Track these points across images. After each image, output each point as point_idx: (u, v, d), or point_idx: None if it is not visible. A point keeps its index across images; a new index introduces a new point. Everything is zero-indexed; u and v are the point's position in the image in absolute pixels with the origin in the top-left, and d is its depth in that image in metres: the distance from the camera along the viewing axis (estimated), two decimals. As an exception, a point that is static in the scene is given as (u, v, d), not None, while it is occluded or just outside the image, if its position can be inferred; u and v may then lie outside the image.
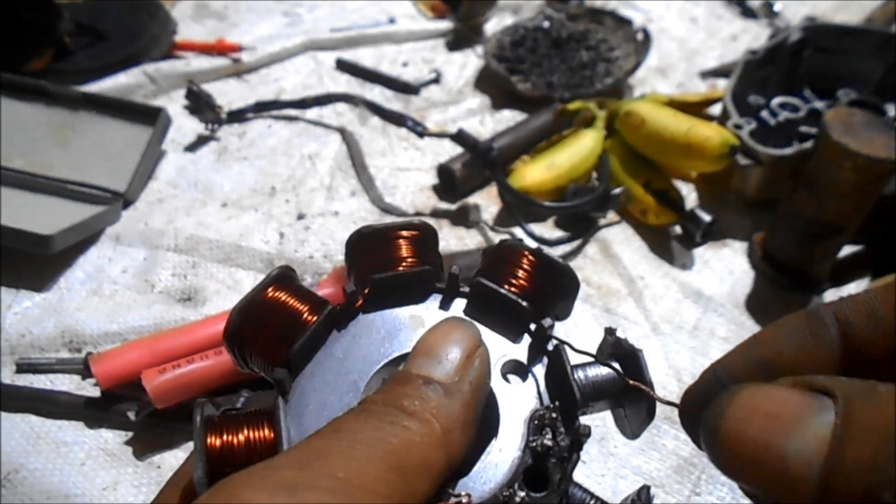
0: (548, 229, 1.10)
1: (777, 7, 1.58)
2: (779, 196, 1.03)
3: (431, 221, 1.10)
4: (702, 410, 0.28)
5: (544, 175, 1.08)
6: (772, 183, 1.07)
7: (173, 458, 0.81)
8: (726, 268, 1.06)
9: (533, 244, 0.39)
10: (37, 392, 0.84)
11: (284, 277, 0.38)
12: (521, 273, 0.38)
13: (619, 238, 1.09)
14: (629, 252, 1.06)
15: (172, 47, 1.36)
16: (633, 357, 0.35)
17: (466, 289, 0.38)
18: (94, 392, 0.84)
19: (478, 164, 1.10)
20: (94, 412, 0.82)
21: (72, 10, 1.29)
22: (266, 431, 0.32)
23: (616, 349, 0.37)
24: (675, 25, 1.55)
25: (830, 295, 1.02)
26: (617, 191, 1.08)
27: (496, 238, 1.08)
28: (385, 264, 0.38)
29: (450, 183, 1.13)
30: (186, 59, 1.34)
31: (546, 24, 1.43)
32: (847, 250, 1.04)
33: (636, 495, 0.34)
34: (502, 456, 0.33)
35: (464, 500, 0.31)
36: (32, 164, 1.10)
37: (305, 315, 0.36)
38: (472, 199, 1.14)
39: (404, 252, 0.39)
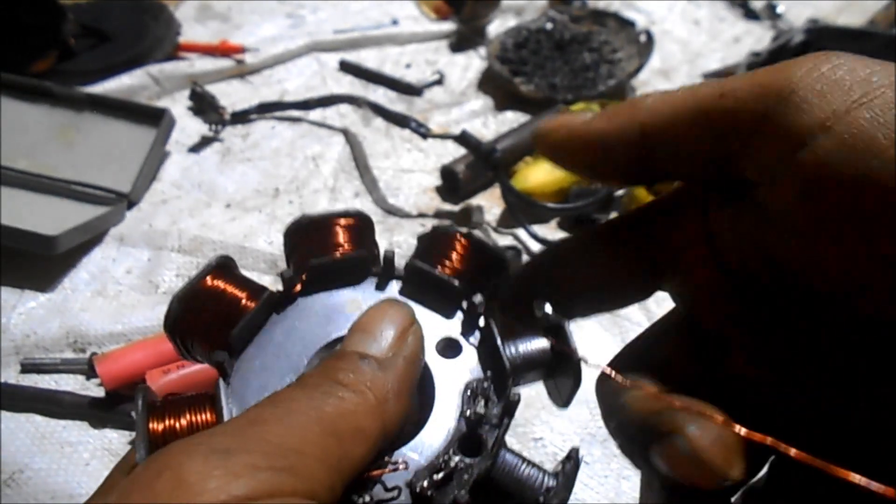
0: (550, 231, 1.10)
1: (780, 9, 1.58)
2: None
3: (435, 223, 1.10)
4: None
5: (547, 177, 1.08)
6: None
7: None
8: (729, 269, 1.06)
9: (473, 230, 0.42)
10: (41, 392, 0.84)
11: (223, 266, 0.39)
12: (453, 255, 0.40)
13: (622, 240, 1.09)
14: (632, 254, 1.06)
15: (176, 49, 1.36)
16: (558, 328, 0.37)
17: (402, 272, 0.40)
18: (99, 392, 0.84)
19: (481, 166, 1.10)
20: (98, 412, 0.82)
21: (76, 12, 1.30)
22: (208, 415, 0.33)
23: (544, 323, 0.38)
24: (678, 27, 1.56)
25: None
26: (619, 192, 1.08)
27: (500, 240, 1.08)
28: (322, 250, 0.39)
29: (453, 184, 1.13)
30: (190, 60, 1.34)
31: (549, 25, 1.43)
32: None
33: (566, 457, 0.36)
34: (439, 426, 0.35)
35: (401, 468, 0.33)
36: (37, 165, 1.10)
37: (245, 301, 0.37)
38: (476, 201, 1.14)
39: (341, 239, 0.40)
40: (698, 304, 0.36)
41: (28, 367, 0.87)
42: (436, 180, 1.17)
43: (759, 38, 1.52)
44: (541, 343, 0.38)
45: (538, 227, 1.08)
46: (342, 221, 0.41)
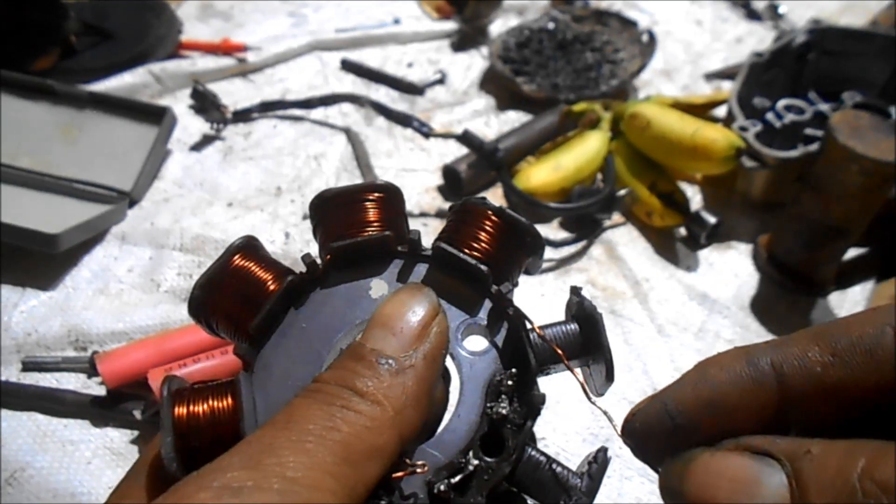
0: (553, 230, 1.10)
1: (782, 9, 1.58)
2: (784, 198, 1.03)
3: (438, 223, 1.10)
4: (650, 441, 0.32)
5: (550, 176, 1.08)
6: (777, 185, 1.07)
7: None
8: (731, 270, 1.06)
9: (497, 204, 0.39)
10: (43, 390, 0.84)
11: (247, 247, 0.38)
12: (483, 235, 0.38)
13: (625, 240, 1.09)
14: (634, 254, 1.06)
15: (178, 47, 1.36)
16: (591, 320, 0.36)
17: (428, 252, 0.38)
18: (101, 391, 0.84)
19: (483, 166, 1.10)
20: (100, 411, 0.82)
21: (78, 10, 1.29)
22: (228, 400, 0.33)
23: (578, 310, 0.37)
24: (680, 27, 1.55)
25: (835, 298, 1.02)
26: (622, 192, 1.08)
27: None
28: (347, 228, 0.38)
29: (455, 184, 1.13)
30: (192, 58, 1.34)
31: (551, 25, 1.43)
32: (852, 253, 1.04)
33: (593, 457, 0.34)
34: (460, 422, 0.34)
35: (419, 471, 0.31)
36: (38, 163, 1.10)
37: (270, 284, 0.36)
38: (478, 200, 1.14)
39: (368, 216, 0.38)
40: None
41: (29, 366, 0.87)
42: (438, 180, 1.17)
43: (761, 38, 1.52)
44: (571, 334, 0.36)
45: (540, 227, 1.07)
46: (368, 195, 0.39)
